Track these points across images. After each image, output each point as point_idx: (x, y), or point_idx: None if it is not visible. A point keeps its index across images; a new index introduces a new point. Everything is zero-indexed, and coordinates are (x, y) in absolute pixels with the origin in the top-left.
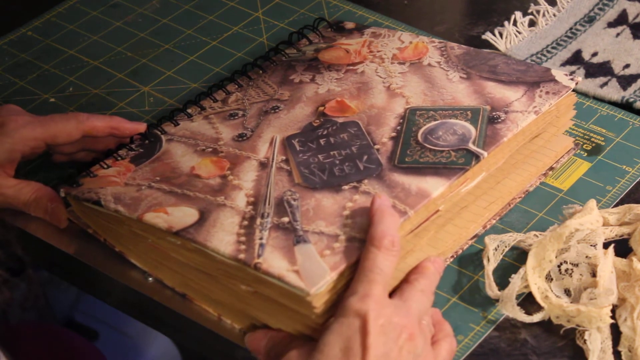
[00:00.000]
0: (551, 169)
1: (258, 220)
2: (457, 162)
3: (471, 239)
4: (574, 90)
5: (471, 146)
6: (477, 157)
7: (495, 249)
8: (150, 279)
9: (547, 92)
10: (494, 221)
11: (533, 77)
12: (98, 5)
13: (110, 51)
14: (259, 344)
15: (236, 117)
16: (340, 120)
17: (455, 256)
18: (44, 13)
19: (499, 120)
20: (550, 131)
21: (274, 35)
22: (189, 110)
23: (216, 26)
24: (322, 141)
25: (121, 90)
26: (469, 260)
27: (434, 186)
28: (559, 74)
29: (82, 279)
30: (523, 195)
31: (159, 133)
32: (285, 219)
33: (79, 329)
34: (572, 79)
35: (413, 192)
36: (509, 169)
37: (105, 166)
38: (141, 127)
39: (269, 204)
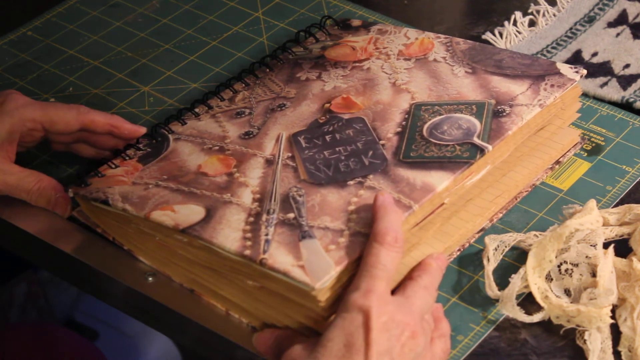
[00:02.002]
0: (558, 162)
1: (264, 217)
2: (462, 155)
3: (478, 232)
4: None
5: (476, 140)
6: (482, 151)
7: (495, 249)
8: (150, 279)
9: (552, 85)
10: (501, 214)
11: (538, 71)
12: (98, 5)
13: (110, 51)
14: (266, 344)
15: (243, 115)
16: (346, 116)
17: (462, 249)
18: (44, 13)
19: (504, 113)
20: (556, 124)
21: (274, 35)
22: (197, 110)
23: (216, 26)
24: (327, 137)
25: (121, 90)
26: (469, 260)
27: (439, 180)
28: (564, 67)
29: (82, 279)
30: (530, 189)
31: (167, 132)
32: (291, 215)
33: (79, 329)
34: (577, 72)
35: (418, 187)
36: (514, 162)
37: (113, 166)
38: (141, 130)
39: (274, 201)
